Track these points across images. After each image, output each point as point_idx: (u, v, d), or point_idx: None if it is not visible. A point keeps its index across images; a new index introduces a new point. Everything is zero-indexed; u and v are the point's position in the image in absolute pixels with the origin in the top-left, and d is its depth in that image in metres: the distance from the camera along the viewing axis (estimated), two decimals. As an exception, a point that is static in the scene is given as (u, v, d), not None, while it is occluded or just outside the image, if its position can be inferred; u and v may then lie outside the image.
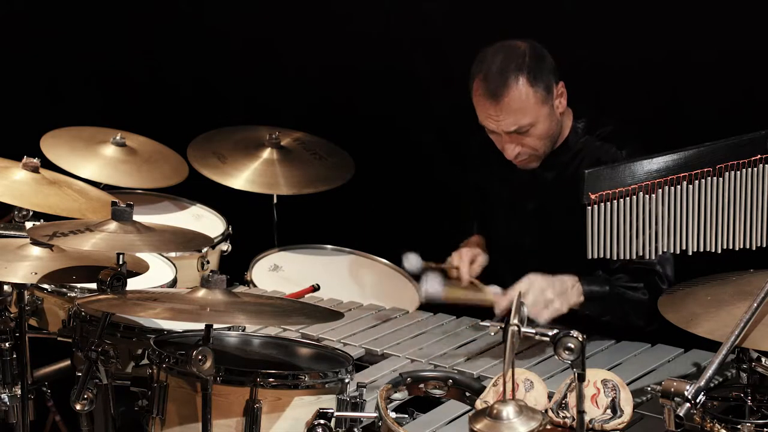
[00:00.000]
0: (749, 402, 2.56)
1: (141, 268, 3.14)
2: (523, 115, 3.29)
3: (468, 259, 3.52)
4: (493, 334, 2.99)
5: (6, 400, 3.22)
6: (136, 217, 2.98)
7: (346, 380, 2.67)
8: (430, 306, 3.56)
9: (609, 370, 2.66)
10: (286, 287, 3.76)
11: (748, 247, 2.71)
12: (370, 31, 4.56)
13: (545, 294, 3.17)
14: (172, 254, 3.78)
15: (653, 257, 2.65)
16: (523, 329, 2.21)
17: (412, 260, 3.51)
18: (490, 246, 3.68)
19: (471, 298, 3.41)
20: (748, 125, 2.73)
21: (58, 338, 3.18)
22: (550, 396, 2.53)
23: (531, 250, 3.53)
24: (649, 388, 2.71)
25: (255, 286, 3.81)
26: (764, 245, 2.72)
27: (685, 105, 3.85)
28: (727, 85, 3.74)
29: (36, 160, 3.54)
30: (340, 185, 4.22)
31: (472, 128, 3.49)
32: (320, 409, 2.58)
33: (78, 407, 2.81)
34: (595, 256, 2.59)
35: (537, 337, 2.24)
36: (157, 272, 3.62)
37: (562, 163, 3.45)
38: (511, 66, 3.27)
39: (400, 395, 2.70)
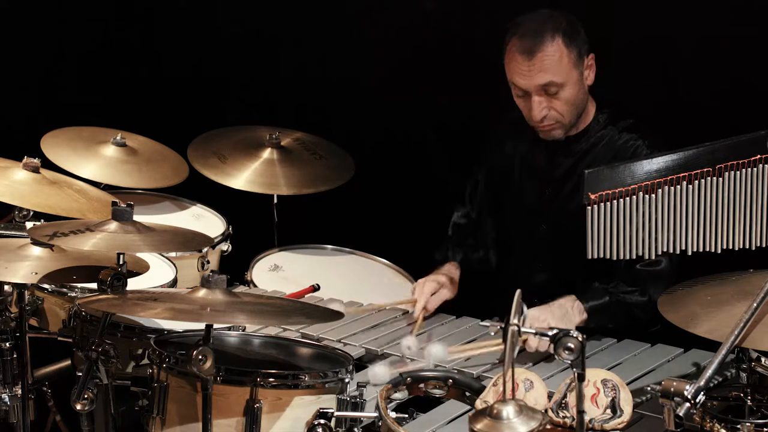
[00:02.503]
0: (749, 402, 2.56)
1: (141, 268, 3.15)
2: (555, 73, 3.34)
3: (429, 292, 3.50)
4: (493, 334, 3.00)
5: (6, 399, 3.22)
6: (136, 217, 2.98)
7: (346, 380, 2.67)
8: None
9: (609, 370, 2.66)
10: (286, 287, 3.76)
11: (747, 247, 2.71)
12: (370, 31, 4.56)
13: (547, 324, 3.16)
14: (172, 254, 3.78)
15: (653, 257, 2.65)
16: (523, 329, 2.21)
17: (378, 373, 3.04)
18: (504, 241, 3.69)
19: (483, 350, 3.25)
20: (748, 125, 2.73)
21: (59, 338, 3.18)
22: (550, 396, 2.53)
23: (547, 239, 3.54)
24: (648, 388, 2.71)
25: (255, 286, 3.81)
26: (764, 245, 2.72)
27: (685, 104, 3.86)
28: (727, 85, 3.75)
29: (36, 160, 3.54)
30: (340, 185, 4.22)
31: (477, 124, 3.49)
32: (320, 408, 2.58)
33: (78, 407, 2.81)
34: (595, 256, 2.59)
35: (537, 337, 2.24)
36: (157, 272, 3.62)
37: (580, 151, 3.49)
38: (548, 26, 3.35)
39: (400, 395, 2.70)
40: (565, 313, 3.23)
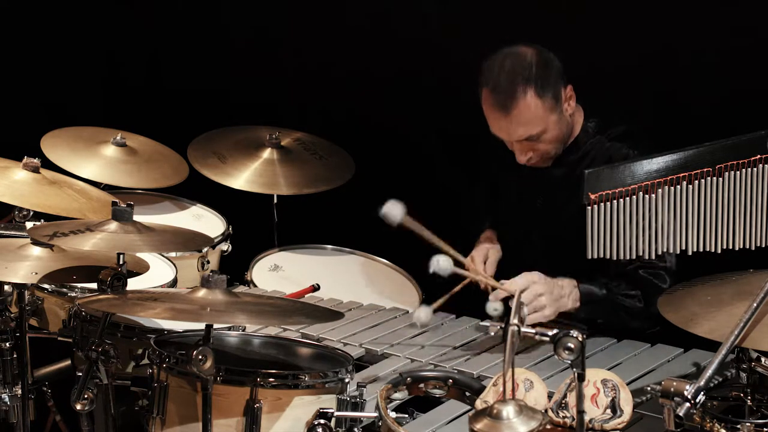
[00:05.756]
0: (749, 402, 2.56)
1: (141, 268, 3.15)
2: (533, 126, 3.30)
3: (481, 260, 3.52)
4: (493, 333, 3.00)
5: (6, 399, 3.22)
6: (136, 217, 2.98)
7: (346, 380, 2.67)
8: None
9: (609, 369, 2.66)
10: (286, 287, 3.76)
11: (748, 247, 2.71)
12: (370, 32, 4.56)
13: (539, 299, 3.16)
14: (173, 254, 3.78)
15: (653, 257, 2.65)
16: (523, 329, 2.21)
17: (443, 263, 3.28)
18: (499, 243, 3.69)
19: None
20: (748, 125, 2.73)
21: (59, 338, 3.18)
22: (550, 396, 2.53)
23: (538, 247, 3.54)
24: (649, 388, 2.71)
25: (255, 286, 3.82)
26: (764, 245, 2.72)
27: (684, 104, 3.86)
28: (727, 85, 3.75)
29: (36, 160, 3.55)
30: (340, 185, 4.22)
31: (477, 124, 3.49)
32: (320, 408, 2.58)
33: (78, 407, 2.81)
34: (595, 256, 2.59)
35: (537, 337, 2.24)
36: (157, 272, 3.62)
37: (571, 162, 3.45)
38: (518, 78, 3.26)
39: (400, 395, 2.70)
40: (561, 296, 3.21)
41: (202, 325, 2.56)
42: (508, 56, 3.32)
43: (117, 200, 3.02)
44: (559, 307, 3.21)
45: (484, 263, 3.52)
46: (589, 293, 3.27)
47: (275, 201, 4.29)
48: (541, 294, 3.16)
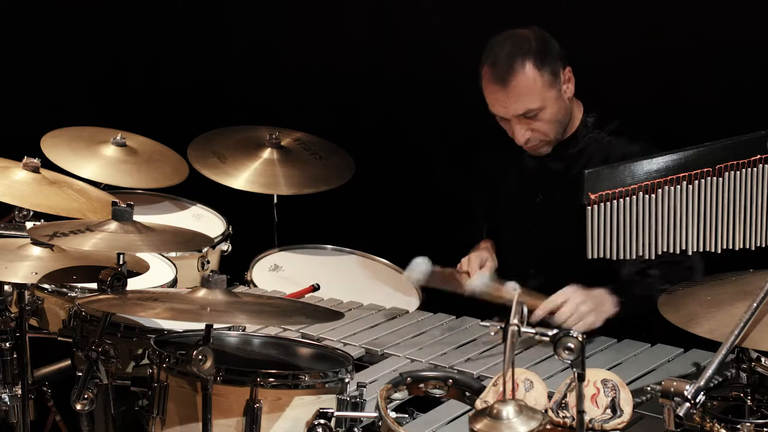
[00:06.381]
0: (749, 402, 2.56)
1: (141, 268, 3.15)
2: (531, 99, 3.31)
3: (477, 265, 3.52)
4: (493, 333, 3.00)
5: (6, 399, 3.22)
6: (136, 217, 2.98)
7: (346, 380, 2.67)
8: (430, 306, 3.56)
9: (609, 369, 2.66)
10: (286, 287, 3.76)
11: (748, 247, 2.71)
12: (370, 31, 4.56)
13: (581, 307, 3.17)
14: (172, 254, 3.78)
15: (653, 257, 2.65)
16: (522, 329, 2.21)
17: (420, 265, 3.37)
18: (496, 240, 3.69)
19: (492, 294, 3.37)
20: (748, 125, 2.73)
21: (59, 338, 3.18)
22: (550, 396, 2.53)
23: (538, 245, 3.54)
24: (649, 388, 2.71)
25: (255, 286, 3.82)
26: (764, 245, 2.72)
27: (684, 104, 3.86)
28: (727, 85, 3.75)
29: (36, 160, 3.55)
30: (340, 185, 4.23)
31: (477, 125, 3.50)
32: (320, 408, 2.58)
33: (78, 407, 2.81)
34: (595, 256, 2.59)
35: (537, 337, 2.24)
36: (157, 272, 3.62)
37: (570, 156, 3.46)
38: (517, 51, 3.31)
39: (400, 395, 2.70)
40: (602, 303, 3.22)
41: (202, 325, 2.56)
42: (508, 36, 3.38)
43: (117, 200, 3.02)
44: (602, 314, 3.22)
45: (480, 269, 3.52)
46: (626, 295, 3.27)
47: (275, 201, 4.29)
48: (582, 303, 3.17)
